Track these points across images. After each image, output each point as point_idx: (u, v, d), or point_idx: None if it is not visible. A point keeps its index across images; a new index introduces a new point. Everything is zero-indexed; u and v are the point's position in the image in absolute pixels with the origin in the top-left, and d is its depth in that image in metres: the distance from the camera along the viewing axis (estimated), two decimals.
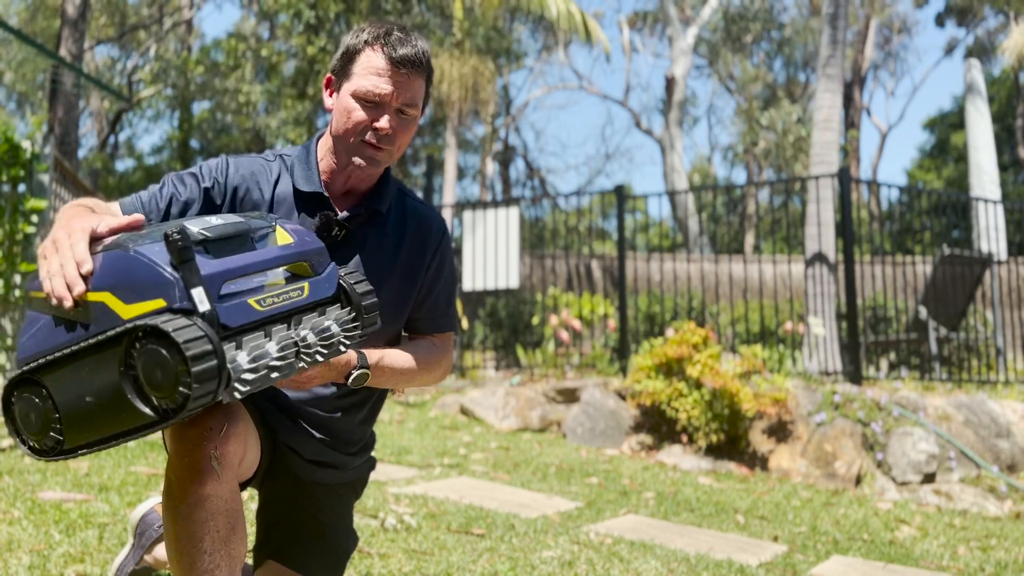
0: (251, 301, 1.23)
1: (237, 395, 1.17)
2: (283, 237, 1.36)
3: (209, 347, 1.12)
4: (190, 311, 1.15)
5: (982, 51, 24.05)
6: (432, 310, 1.74)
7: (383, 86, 1.55)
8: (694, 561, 2.86)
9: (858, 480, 4.91)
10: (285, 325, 1.28)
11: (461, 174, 25.55)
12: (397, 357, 1.62)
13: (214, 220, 1.28)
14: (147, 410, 1.16)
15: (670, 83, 16.76)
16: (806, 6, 24.01)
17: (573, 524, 3.30)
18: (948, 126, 27.09)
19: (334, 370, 1.47)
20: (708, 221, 15.78)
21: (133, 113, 23.12)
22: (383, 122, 1.56)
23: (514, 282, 7.95)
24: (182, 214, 1.54)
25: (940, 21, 25.50)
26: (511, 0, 12.88)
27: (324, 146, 1.67)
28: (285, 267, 1.33)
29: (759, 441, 5.21)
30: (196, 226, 1.24)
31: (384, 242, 1.67)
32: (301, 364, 1.27)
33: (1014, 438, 5.37)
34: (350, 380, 1.50)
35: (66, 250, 1.22)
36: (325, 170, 1.65)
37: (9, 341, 5.33)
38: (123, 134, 24.63)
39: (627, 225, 7.71)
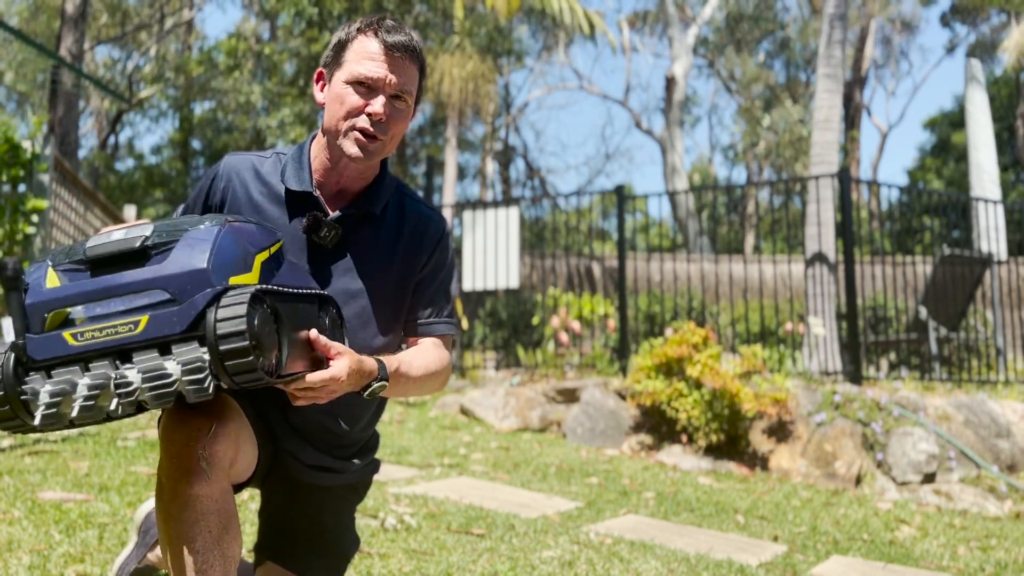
0: (66, 335, 1.19)
1: (36, 424, 1.19)
2: (171, 255, 1.24)
3: None
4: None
5: (984, 50, 24.03)
6: (429, 311, 1.68)
7: (376, 70, 1.52)
8: (694, 561, 2.86)
9: (858, 480, 4.91)
10: (108, 361, 1.19)
11: (461, 174, 25.53)
12: (412, 364, 1.57)
13: (114, 235, 1.25)
14: None
15: (670, 83, 16.76)
16: (807, 6, 24.01)
17: (573, 524, 3.30)
18: (949, 125, 27.07)
19: (353, 382, 1.41)
20: (708, 221, 15.78)
21: (134, 113, 23.12)
22: (376, 106, 1.52)
23: (514, 282, 7.95)
24: None
25: (945, 21, 25.50)
26: (525, 2, 12.88)
27: (318, 144, 1.63)
28: (144, 293, 1.21)
29: (759, 441, 5.21)
30: (90, 242, 1.25)
31: (379, 244, 1.62)
32: (114, 406, 1.18)
33: (1014, 438, 5.37)
34: (367, 392, 1.44)
35: None
36: (318, 168, 1.61)
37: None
38: (124, 134, 24.66)
39: (627, 225, 7.71)
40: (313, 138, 1.66)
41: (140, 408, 1.25)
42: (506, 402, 5.98)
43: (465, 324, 8.41)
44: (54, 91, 10.15)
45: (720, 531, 3.49)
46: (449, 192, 12.99)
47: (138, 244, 1.23)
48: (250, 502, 3.02)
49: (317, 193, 1.59)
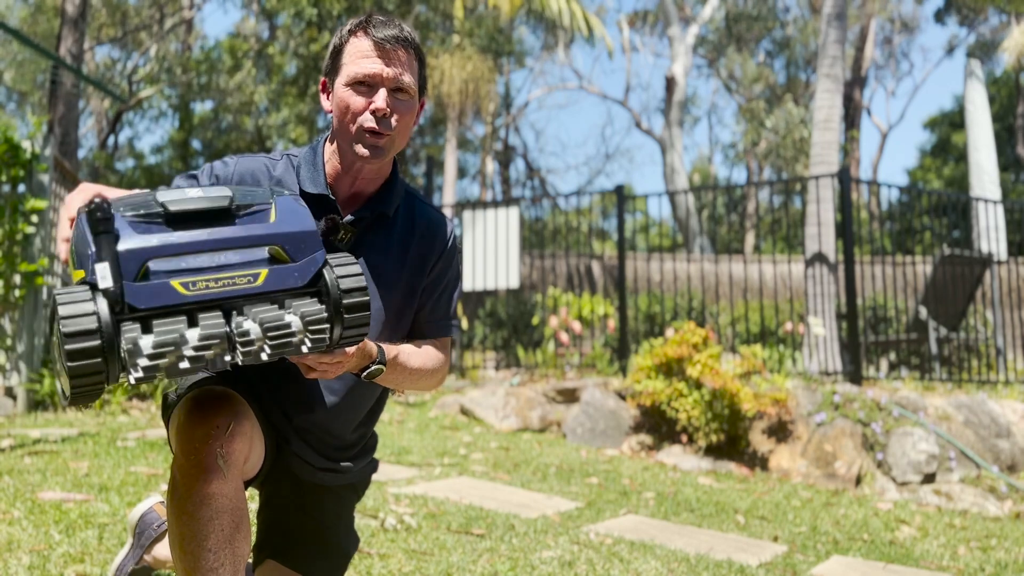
0: (175, 283, 1.13)
1: (132, 380, 1.11)
2: (273, 216, 1.25)
3: (91, 326, 1.06)
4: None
5: (984, 50, 24.04)
6: (431, 313, 1.70)
7: (371, 66, 1.53)
8: (694, 561, 2.86)
9: (858, 480, 4.91)
10: (220, 313, 1.16)
11: (461, 174, 25.57)
12: (410, 357, 1.59)
13: (192, 193, 1.21)
14: (59, 389, 1.13)
15: (670, 83, 16.75)
16: (807, 6, 24.01)
17: (573, 524, 3.30)
18: (949, 125, 27.09)
19: (357, 360, 1.40)
20: (708, 221, 15.77)
21: (134, 113, 23.12)
22: (379, 101, 1.53)
23: (514, 282, 7.95)
24: None
25: (939, 17, 25.50)
26: (526, 2, 12.90)
27: (330, 148, 1.64)
28: (254, 248, 1.21)
29: (759, 441, 5.21)
30: (165, 197, 1.19)
31: (390, 246, 1.64)
32: (232, 359, 1.16)
33: (1014, 438, 5.37)
34: (364, 374, 1.44)
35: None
36: (331, 173, 1.63)
37: (9, 341, 5.33)
38: (124, 134, 24.64)
39: (627, 225, 7.71)
40: (325, 140, 1.67)
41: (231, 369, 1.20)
42: (506, 402, 5.98)
43: (465, 324, 8.41)
44: (54, 91, 10.14)
45: (720, 531, 3.49)
46: (449, 192, 13.00)
47: (227, 203, 1.21)
48: (250, 502, 3.02)
49: (332, 196, 1.60)
